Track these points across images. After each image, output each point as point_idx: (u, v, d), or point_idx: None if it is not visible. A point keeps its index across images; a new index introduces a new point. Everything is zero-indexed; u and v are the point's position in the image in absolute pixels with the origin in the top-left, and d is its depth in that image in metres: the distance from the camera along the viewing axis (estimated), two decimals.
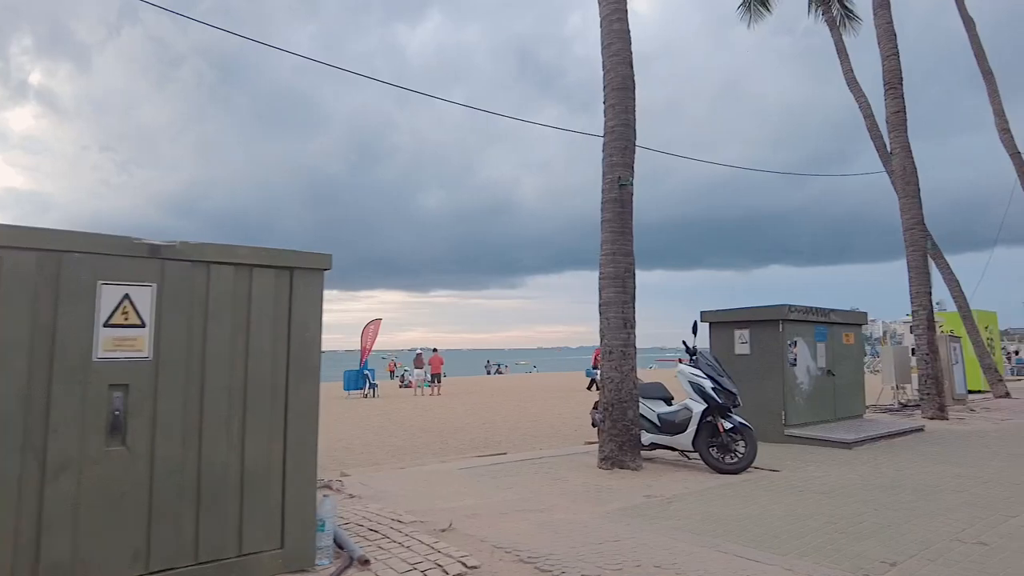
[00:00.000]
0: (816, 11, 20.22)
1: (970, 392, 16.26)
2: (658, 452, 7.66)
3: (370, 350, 27.19)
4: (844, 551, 4.02)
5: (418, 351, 28.93)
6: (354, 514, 4.96)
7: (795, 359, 8.91)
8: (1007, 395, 15.97)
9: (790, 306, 8.84)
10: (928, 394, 11.55)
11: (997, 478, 6.22)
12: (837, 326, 9.77)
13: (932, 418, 11.35)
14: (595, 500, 5.62)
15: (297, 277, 3.61)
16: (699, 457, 6.98)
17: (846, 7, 20.35)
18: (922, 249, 11.94)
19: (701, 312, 9.72)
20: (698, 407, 6.96)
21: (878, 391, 14.55)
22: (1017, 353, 33.45)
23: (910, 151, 12.30)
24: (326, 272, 3.71)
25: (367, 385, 25.68)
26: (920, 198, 12.25)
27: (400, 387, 31.81)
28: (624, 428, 6.93)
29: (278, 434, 3.49)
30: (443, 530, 4.47)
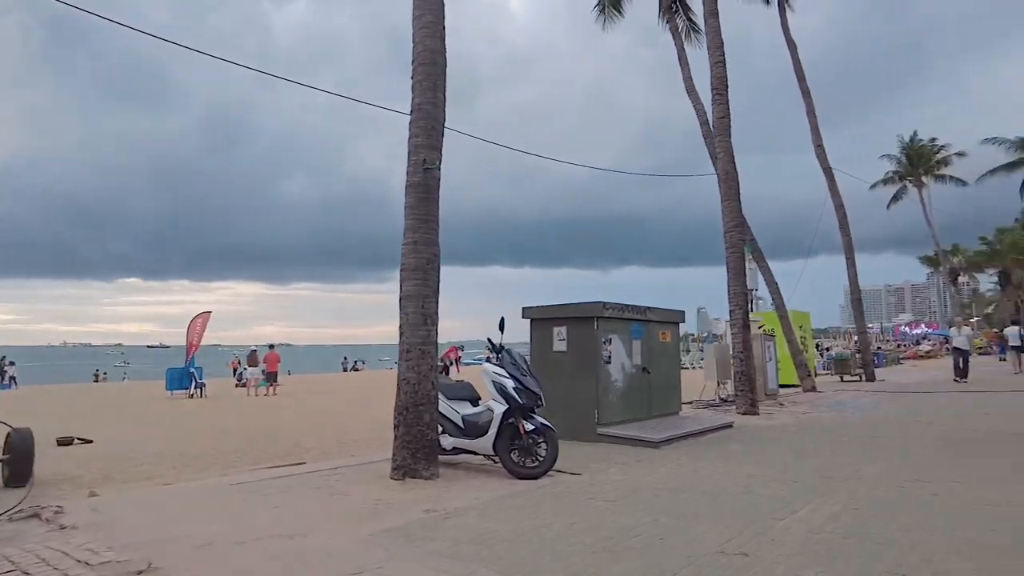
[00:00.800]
0: (664, 20, 20.88)
1: (783, 386, 17.47)
2: (466, 456, 7.17)
3: (197, 346, 24.90)
4: (603, 574, 3.65)
5: (253, 348, 26.89)
6: (37, 555, 3.95)
7: (609, 356, 8.80)
8: (814, 389, 17.32)
9: (604, 303, 8.71)
10: (742, 390, 12.06)
11: (780, 476, 6.30)
12: (654, 324, 9.82)
13: (745, 413, 11.84)
14: (367, 519, 4.97)
15: None
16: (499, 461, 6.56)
17: (690, 18, 21.22)
18: (740, 250, 12.46)
19: (523, 308, 9.40)
20: (499, 408, 6.52)
21: (702, 386, 15.16)
22: (829, 350, 37.08)
23: (732, 156, 12.80)
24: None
25: (193, 385, 23.45)
26: (740, 201, 12.79)
27: (236, 387, 29.55)
28: (419, 434, 6.35)
29: None
30: (140, 572, 3.61)
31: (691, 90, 18.06)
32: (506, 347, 6.95)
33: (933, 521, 4.56)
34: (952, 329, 23.45)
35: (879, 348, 45.35)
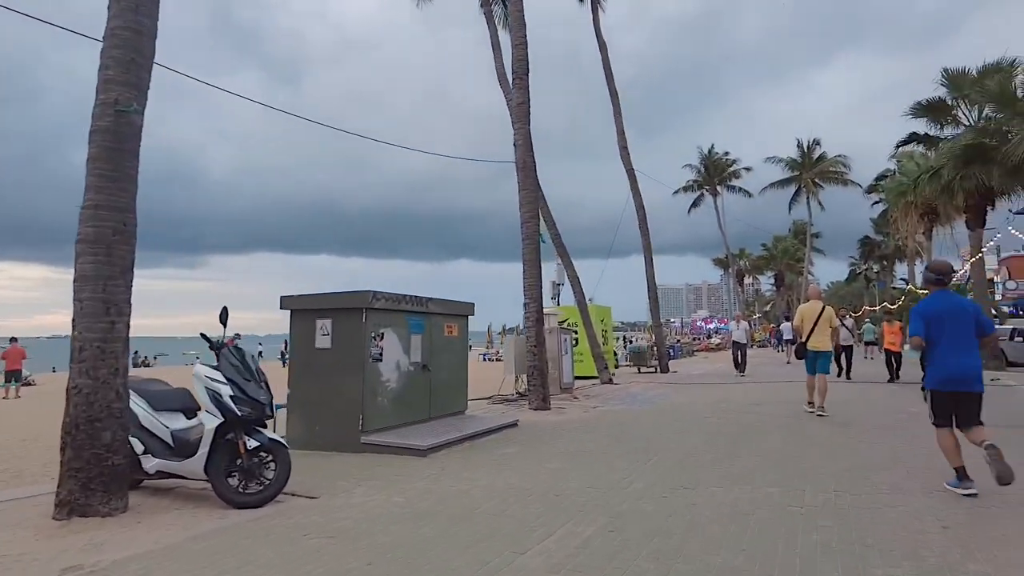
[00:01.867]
0: (481, 7, 20.15)
1: (584, 378, 17.62)
2: (182, 480, 5.72)
3: None
4: None
5: None
6: None
7: (381, 353, 7.77)
8: (611, 381, 17.65)
9: (375, 292, 7.65)
10: (534, 385, 11.66)
11: (542, 488, 5.65)
12: (437, 316, 8.94)
13: (537, 408, 11.44)
14: None
15: None
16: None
17: (507, 6, 20.75)
18: (536, 242, 12.04)
19: (281, 298, 8.06)
20: (212, 422, 5.22)
21: (502, 380, 14.70)
22: (632, 341, 39.25)
23: (531, 144, 12.34)
24: None
25: None
26: (540, 191, 12.38)
27: None
28: (94, 458, 4.85)
29: None
30: None
31: (502, 77, 17.60)
32: (229, 345, 5.64)
33: (685, 542, 4.07)
34: (732, 323, 25.53)
35: (678, 341, 49.19)
